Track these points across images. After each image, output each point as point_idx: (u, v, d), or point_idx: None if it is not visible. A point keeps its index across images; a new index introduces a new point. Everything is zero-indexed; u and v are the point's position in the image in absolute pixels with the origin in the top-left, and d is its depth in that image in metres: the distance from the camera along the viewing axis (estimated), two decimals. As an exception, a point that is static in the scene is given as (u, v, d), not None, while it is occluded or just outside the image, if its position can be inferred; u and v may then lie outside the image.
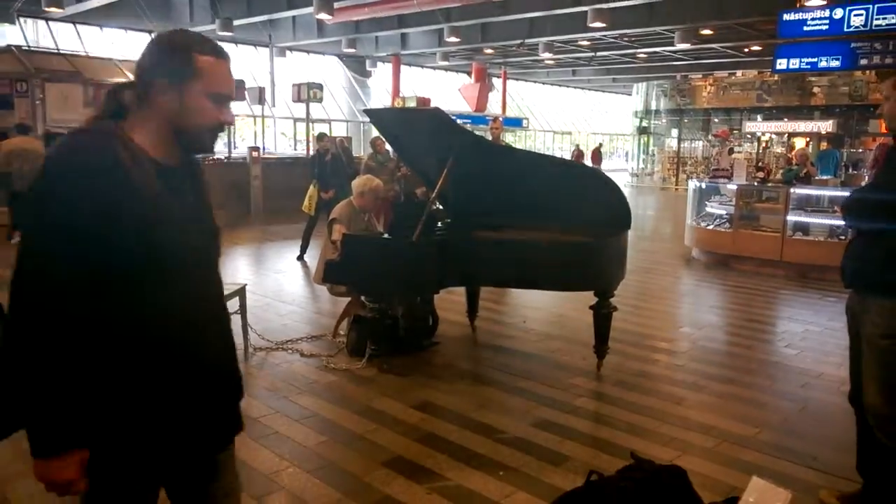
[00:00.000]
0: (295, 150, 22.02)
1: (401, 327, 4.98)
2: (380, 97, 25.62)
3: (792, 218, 8.27)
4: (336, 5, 14.98)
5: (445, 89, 27.63)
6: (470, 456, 3.43)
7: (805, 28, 11.39)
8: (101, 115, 1.50)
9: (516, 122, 27.52)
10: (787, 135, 22.68)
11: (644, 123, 27.24)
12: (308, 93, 14.61)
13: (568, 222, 4.67)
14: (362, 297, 4.99)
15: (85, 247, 1.35)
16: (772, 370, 4.96)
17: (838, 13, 11.03)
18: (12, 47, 11.07)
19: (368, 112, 4.68)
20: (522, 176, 4.67)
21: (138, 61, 1.49)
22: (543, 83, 33.04)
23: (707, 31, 18.70)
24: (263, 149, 16.79)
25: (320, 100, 15.59)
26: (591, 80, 31.47)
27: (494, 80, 27.85)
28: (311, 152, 10.98)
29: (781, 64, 12.20)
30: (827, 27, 11.18)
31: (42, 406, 1.37)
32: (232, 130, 14.26)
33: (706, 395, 4.39)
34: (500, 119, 10.88)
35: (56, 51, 12.03)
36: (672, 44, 19.42)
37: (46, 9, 14.94)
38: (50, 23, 18.48)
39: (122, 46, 18.64)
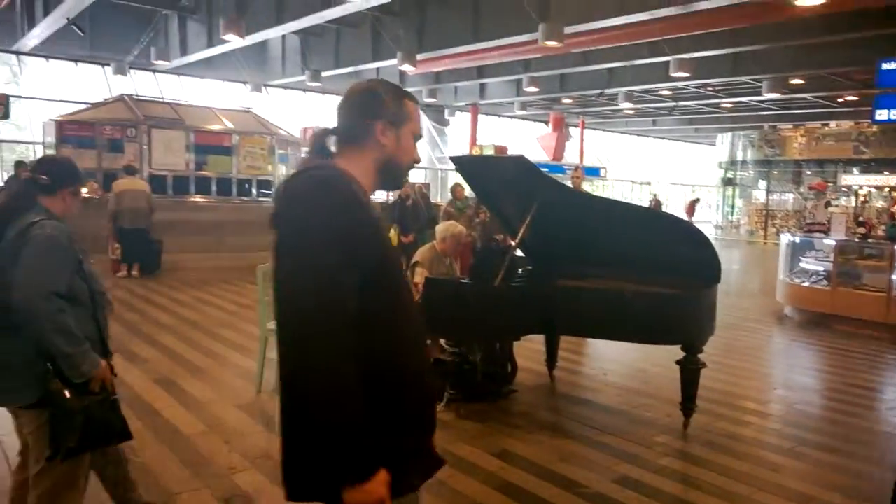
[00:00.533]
0: (374, 194, 22.59)
1: (479, 372, 4.93)
2: (457, 145, 26.07)
3: (898, 277, 7.76)
4: (418, 57, 15.48)
5: (523, 138, 27.81)
6: (550, 511, 3.32)
7: (905, 77, 10.89)
8: (312, 156, 1.61)
9: (594, 172, 27.35)
10: (888, 188, 21.51)
11: (729, 174, 26.44)
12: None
13: (653, 273, 4.54)
14: (441, 341, 4.99)
15: (352, 279, 1.42)
16: (876, 439, 4.60)
17: (942, 62, 10.50)
18: (125, 96, 11.96)
19: (453, 159, 4.75)
20: (608, 224, 4.60)
21: (352, 107, 1.61)
22: (622, 132, 32.81)
23: (797, 81, 18.15)
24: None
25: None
26: (672, 129, 31.02)
27: (572, 129, 27.89)
28: (391, 197, 11.26)
29: (881, 115, 11.63)
30: (930, 76, 10.66)
31: (350, 434, 1.38)
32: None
33: (804, 462, 4.11)
34: (581, 168, 10.85)
35: (161, 100, 12.90)
36: (759, 93, 18.97)
37: (155, 62, 16.21)
38: (156, 74, 19.94)
39: (218, 96, 19.85)
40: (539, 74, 18.36)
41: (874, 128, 20.69)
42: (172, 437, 4.11)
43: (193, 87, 20.54)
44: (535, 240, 4.73)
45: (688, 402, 4.42)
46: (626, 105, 20.97)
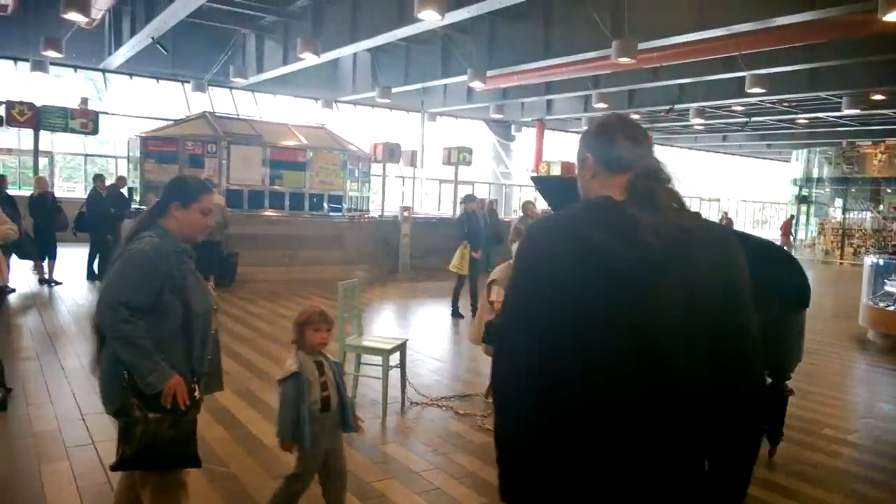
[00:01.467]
0: (439, 209, 22.80)
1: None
2: (522, 161, 26.06)
3: None
4: (487, 73, 15.59)
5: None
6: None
7: None
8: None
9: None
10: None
11: (804, 192, 25.49)
12: (458, 156, 15.16)
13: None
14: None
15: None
16: (981, 476, 4.35)
17: None
18: (206, 113, 12.48)
19: (534, 178, 4.82)
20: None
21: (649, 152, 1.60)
22: (690, 148, 32.10)
23: (879, 97, 17.42)
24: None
25: (469, 163, 16.13)
26: (743, 145, 30.17)
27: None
28: (458, 213, 11.35)
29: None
30: None
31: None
32: (383, 189, 15.04)
33: (900, 497, 3.93)
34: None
35: (239, 116, 13.42)
36: (838, 109, 18.27)
37: (233, 79, 16.87)
38: (232, 91, 20.74)
39: (291, 111, 20.47)
40: (608, 90, 18.22)
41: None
42: (257, 449, 4.25)
43: (267, 103, 21.25)
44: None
45: (775, 430, 4.29)
46: (697, 121, 20.51)
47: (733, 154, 34.23)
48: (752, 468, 1.47)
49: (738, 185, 34.82)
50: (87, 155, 19.21)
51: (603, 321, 1.38)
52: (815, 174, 24.85)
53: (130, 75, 19.35)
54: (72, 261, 10.83)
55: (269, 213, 11.88)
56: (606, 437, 1.38)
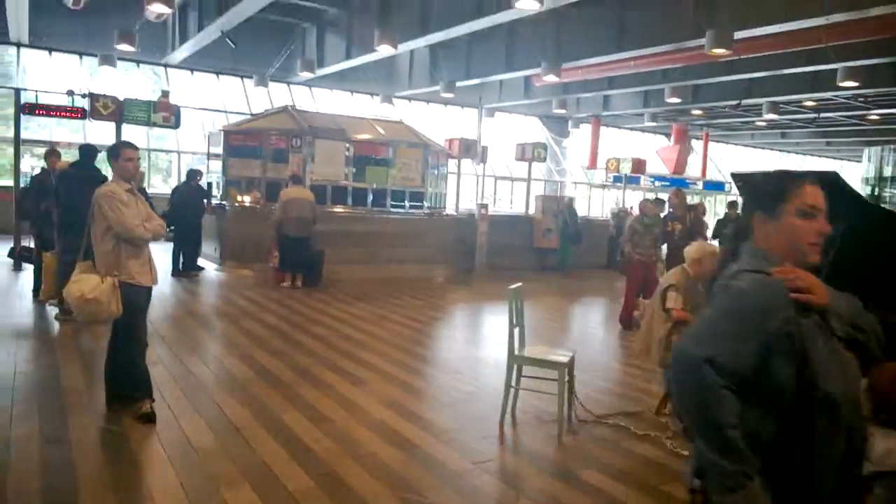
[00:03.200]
0: (511, 207, 22.30)
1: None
2: (577, 157, 25.54)
3: None
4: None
5: (641, 150, 26.91)
6: None
7: None
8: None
9: (718, 186, 26.07)
10: None
11: (877, 191, 24.59)
12: (533, 151, 14.73)
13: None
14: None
15: None
16: None
17: None
18: (289, 107, 12.20)
19: (734, 175, 4.34)
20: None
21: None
22: (746, 145, 31.23)
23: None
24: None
25: (544, 159, 15.66)
26: (800, 142, 29.25)
27: (693, 141, 26.77)
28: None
29: None
30: None
31: None
32: (458, 186, 14.65)
33: None
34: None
35: (317, 111, 13.11)
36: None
37: (300, 73, 16.61)
38: (290, 86, 20.50)
39: (348, 107, 20.16)
40: (675, 84, 17.60)
41: None
42: (440, 472, 3.89)
43: (324, 98, 20.97)
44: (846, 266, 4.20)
45: None
46: (770, 116, 19.80)
47: (788, 152, 33.26)
48: None
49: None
50: (151, 150, 19.07)
51: None
52: (889, 173, 23.94)
53: (192, 70, 19.19)
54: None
55: (352, 209, 11.57)
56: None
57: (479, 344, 7.69)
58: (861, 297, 1.77)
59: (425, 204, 12.28)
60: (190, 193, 10.34)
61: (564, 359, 4.70)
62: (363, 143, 11.60)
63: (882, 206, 4.24)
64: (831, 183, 4.00)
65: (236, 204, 11.42)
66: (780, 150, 32.66)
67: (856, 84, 14.17)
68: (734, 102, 19.26)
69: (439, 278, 11.62)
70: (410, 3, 13.74)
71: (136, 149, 4.46)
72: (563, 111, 21.15)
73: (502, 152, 20.47)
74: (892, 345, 1.84)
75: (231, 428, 4.30)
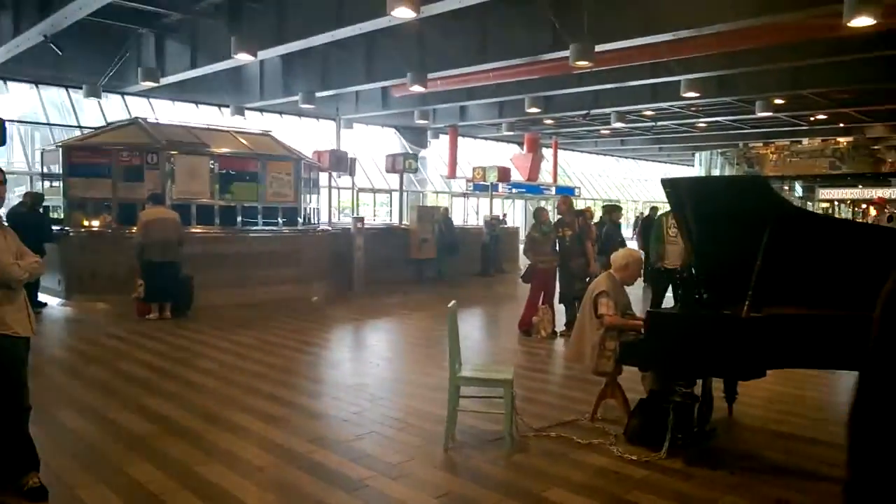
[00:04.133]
0: (374, 218, 21.80)
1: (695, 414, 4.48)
2: (435, 167, 25.73)
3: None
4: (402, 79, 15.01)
5: (496, 159, 27.70)
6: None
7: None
8: None
9: (569, 191, 27.47)
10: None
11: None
12: (404, 163, 14.49)
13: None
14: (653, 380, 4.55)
15: None
16: None
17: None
18: (139, 119, 10.95)
19: (663, 181, 4.34)
20: (841, 247, 4.23)
21: None
22: (590, 152, 33.23)
23: (779, 101, 18.79)
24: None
25: (415, 170, 15.45)
26: (637, 148, 31.66)
27: (544, 149, 28.03)
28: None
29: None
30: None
31: None
32: (329, 200, 14.03)
33: None
34: (570, 197, 10.56)
35: (170, 122, 11.87)
36: (737, 112, 19.49)
37: (141, 82, 15.10)
38: (125, 97, 18.70)
39: (193, 119, 18.73)
40: (532, 95, 18.16)
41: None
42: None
43: (165, 110, 19.36)
44: (777, 267, 4.30)
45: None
46: (617, 125, 21.17)
47: (628, 157, 35.88)
48: None
49: (639, 188, 36.56)
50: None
51: None
52: (717, 173, 26.51)
53: (5, 80, 16.86)
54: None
55: (220, 230, 10.61)
56: None
57: (387, 366, 7.17)
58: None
59: (300, 220, 11.56)
60: (29, 220, 8.88)
61: (509, 375, 4.45)
62: (228, 157, 10.69)
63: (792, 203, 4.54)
64: (757, 185, 4.08)
65: (82, 229, 10.07)
66: (619, 156, 35.20)
67: (696, 95, 15.40)
68: (584, 112, 20.37)
69: (318, 297, 10.99)
70: (263, 10, 12.98)
71: (2, 171, 3.60)
72: (424, 122, 21.15)
73: (367, 164, 20.08)
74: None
75: (146, 495, 3.56)
